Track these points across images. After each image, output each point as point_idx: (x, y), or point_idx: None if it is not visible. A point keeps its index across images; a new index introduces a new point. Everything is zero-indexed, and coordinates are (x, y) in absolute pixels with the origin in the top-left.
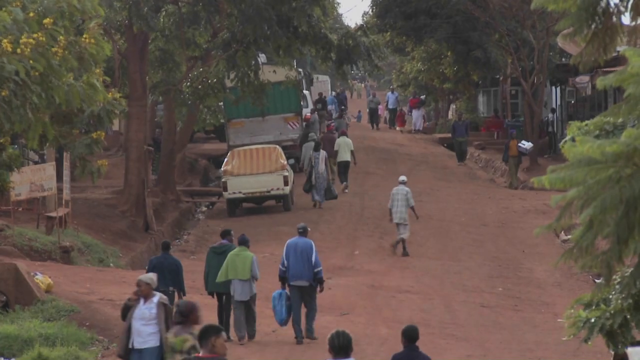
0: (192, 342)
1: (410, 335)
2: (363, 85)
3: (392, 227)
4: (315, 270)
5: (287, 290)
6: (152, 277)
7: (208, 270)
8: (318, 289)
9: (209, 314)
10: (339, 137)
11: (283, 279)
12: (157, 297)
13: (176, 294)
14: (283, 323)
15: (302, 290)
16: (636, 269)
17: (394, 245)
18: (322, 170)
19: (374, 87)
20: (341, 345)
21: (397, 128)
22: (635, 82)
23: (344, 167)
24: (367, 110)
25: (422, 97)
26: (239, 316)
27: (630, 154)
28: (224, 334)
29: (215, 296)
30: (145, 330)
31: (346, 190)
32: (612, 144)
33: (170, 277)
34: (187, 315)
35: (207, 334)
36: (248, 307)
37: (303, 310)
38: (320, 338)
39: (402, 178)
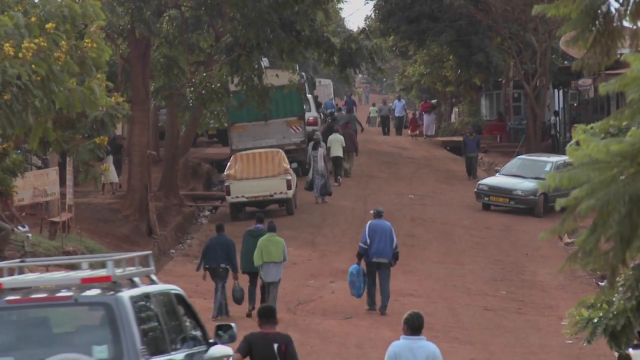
0: None
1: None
2: (362, 90)
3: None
4: (396, 250)
5: (362, 266)
6: None
7: (245, 250)
8: (394, 263)
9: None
10: (332, 135)
11: (361, 255)
12: None
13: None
14: (359, 296)
15: (380, 266)
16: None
17: None
18: (321, 167)
19: (375, 91)
20: (418, 325)
21: (409, 133)
22: (637, 87)
23: (338, 162)
24: (379, 117)
25: (433, 101)
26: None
27: (635, 153)
28: None
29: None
30: None
31: (335, 184)
32: (617, 143)
33: (224, 256)
34: None
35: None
36: (274, 287)
37: None
38: (322, 337)
39: None
